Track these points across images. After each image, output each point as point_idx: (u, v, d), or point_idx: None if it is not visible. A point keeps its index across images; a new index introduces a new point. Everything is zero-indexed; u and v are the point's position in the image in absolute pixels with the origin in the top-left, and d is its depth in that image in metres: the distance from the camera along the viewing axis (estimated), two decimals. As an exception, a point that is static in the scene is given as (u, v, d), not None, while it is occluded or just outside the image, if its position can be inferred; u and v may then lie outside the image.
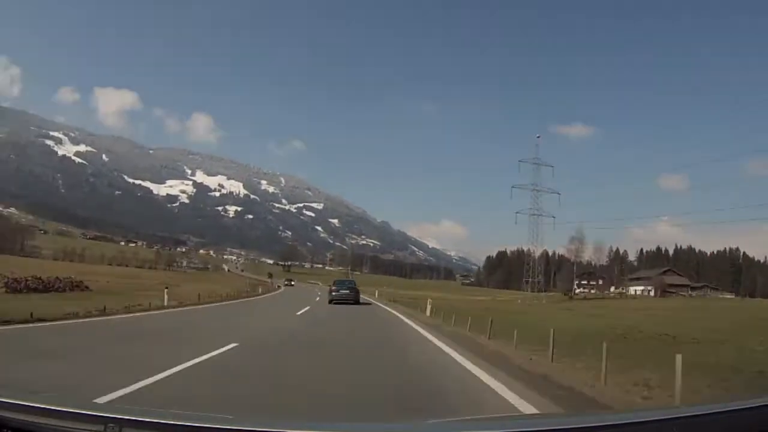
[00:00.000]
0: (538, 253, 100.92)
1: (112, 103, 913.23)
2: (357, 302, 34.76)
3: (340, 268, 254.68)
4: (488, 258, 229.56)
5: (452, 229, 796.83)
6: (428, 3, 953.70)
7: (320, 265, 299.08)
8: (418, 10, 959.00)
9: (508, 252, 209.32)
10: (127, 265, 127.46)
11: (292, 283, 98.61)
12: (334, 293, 34.92)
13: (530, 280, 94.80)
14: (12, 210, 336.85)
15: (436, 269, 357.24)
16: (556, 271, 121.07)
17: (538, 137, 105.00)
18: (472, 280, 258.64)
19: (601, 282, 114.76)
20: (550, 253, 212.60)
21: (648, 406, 6.37)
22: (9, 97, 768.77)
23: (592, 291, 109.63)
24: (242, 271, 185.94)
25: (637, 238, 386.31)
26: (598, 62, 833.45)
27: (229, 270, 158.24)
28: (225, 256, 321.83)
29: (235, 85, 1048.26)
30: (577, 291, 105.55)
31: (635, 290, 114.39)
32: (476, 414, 6.05)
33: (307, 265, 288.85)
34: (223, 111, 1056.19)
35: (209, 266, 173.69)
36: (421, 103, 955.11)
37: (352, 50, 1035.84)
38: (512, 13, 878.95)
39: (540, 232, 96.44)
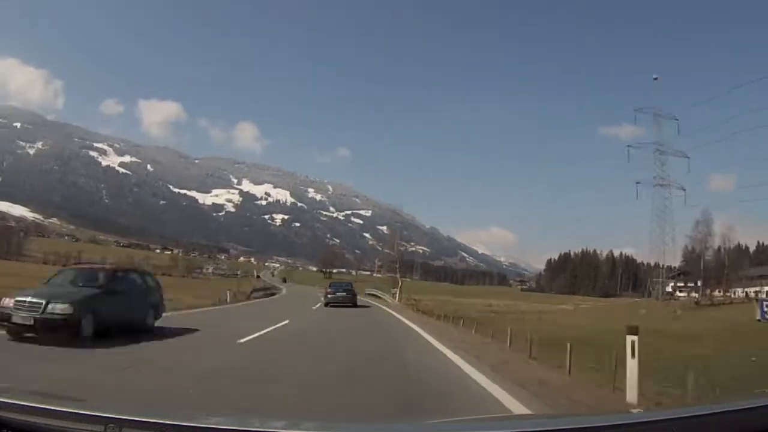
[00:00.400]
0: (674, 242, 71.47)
1: (156, 115, 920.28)
2: (354, 305, 33.87)
3: (390, 274, 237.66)
4: (549, 261, 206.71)
5: (501, 235, 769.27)
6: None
7: (368, 272, 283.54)
8: (469, 11, 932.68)
9: (572, 254, 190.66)
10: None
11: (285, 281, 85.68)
12: (330, 296, 33.89)
13: (660, 280, 68.99)
14: (53, 220, 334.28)
15: (489, 275, 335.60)
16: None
17: (655, 78, 71.69)
18: (532, 285, 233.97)
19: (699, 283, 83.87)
20: (618, 254, 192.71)
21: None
22: (53, 110, 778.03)
23: (693, 294, 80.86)
24: (273, 276, 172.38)
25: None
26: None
27: (258, 276, 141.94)
28: (267, 263, 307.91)
29: (281, 93, 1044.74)
30: (676, 294, 79.64)
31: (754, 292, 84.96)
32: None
33: (354, 272, 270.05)
34: (268, 119, 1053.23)
35: (238, 272, 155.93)
36: (466, 108, 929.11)
37: (396, 55, 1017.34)
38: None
39: (669, 212, 67.60)
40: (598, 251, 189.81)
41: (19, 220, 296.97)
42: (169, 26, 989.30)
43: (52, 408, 2.10)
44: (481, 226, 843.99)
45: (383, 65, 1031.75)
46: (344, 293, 34.04)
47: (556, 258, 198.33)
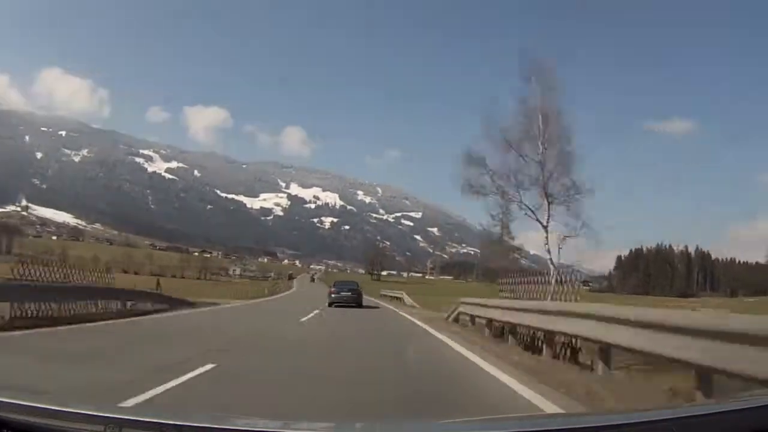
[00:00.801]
0: None
1: (202, 121, 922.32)
2: (359, 305, 32.21)
3: (444, 276, 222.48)
4: (619, 258, 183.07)
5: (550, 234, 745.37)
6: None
7: (419, 274, 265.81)
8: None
9: (645, 249, 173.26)
10: (136, 272, 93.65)
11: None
12: (334, 295, 31.99)
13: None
14: (96, 225, 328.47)
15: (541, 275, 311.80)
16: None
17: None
18: (597, 285, 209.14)
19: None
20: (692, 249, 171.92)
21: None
22: (100, 119, 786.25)
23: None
24: (312, 281, 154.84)
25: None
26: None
27: (291, 277, 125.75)
28: (311, 266, 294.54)
29: (327, 96, 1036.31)
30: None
31: None
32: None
33: (405, 274, 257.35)
34: (315, 123, 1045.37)
35: (271, 274, 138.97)
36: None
37: (448, 56, 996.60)
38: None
39: None
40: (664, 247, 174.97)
41: (60, 225, 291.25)
42: (211, 33, 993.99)
43: (52, 408, 2.09)
44: (531, 225, 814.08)
45: (434, 63, 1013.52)
46: (349, 293, 32.45)
47: (627, 254, 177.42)
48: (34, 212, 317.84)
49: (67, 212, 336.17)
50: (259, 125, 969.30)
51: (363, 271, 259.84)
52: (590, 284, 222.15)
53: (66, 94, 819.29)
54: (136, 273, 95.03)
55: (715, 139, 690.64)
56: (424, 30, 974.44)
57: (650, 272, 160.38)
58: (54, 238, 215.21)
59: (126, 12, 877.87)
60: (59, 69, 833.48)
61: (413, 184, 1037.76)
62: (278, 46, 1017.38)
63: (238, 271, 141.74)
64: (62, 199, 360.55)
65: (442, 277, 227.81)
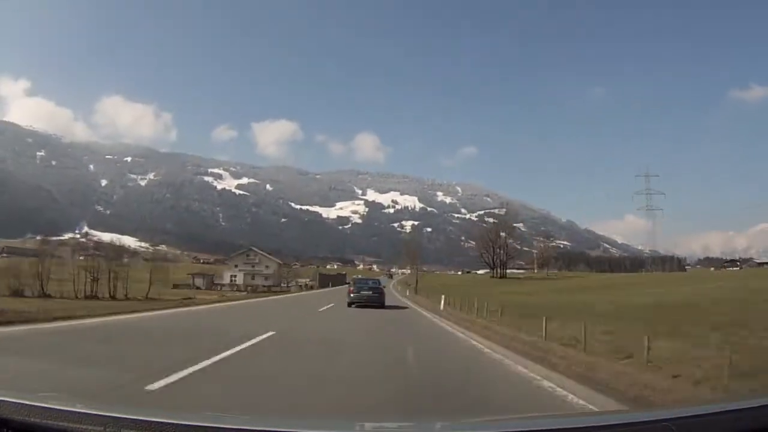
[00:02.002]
0: None
1: (271, 135, 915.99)
2: (382, 306, 28.64)
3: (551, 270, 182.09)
4: None
5: (635, 223, 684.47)
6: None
7: (521, 271, 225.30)
8: None
9: None
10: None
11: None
12: (353, 295, 28.81)
13: None
14: (161, 247, 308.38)
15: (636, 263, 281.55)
16: None
17: None
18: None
19: None
20: None
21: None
22: (167, 143, 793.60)
23: None
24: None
25: None
26: None
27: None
28: (392, 270, 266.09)
29: (397, 99, 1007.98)
30: None
31: None
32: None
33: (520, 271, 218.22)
34: (387, 127, 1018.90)
35: (292, 282, 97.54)
36: (588, 91, 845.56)
37: (516, 46, 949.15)
38: None
39: None
40: None
41: (118, 249, 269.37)
42: (273, 49, 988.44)
43: (52, 408, 2.07)
44: (616, 215, 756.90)
45: (507, 56, 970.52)
46: (370, 292, 29.02)
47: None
48: (94, 238, 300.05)
49: (132, 236, 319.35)
50: (330, 134, 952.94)
51: (451, 272, 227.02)
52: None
53: (129, 120, 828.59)
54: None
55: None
56: (484, 29, 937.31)
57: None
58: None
59: (181, 33, 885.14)
60: (119, 96, 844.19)
61: (493, 180, 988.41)
62: (341, 55, 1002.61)
63: (239, 278, 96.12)
64: (127, 223, 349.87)
65: (555, 271, 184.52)
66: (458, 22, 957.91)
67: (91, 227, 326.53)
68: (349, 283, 43.38)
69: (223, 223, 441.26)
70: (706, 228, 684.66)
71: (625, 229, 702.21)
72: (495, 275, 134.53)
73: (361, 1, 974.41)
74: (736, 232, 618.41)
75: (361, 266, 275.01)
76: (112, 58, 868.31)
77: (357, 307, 27.28)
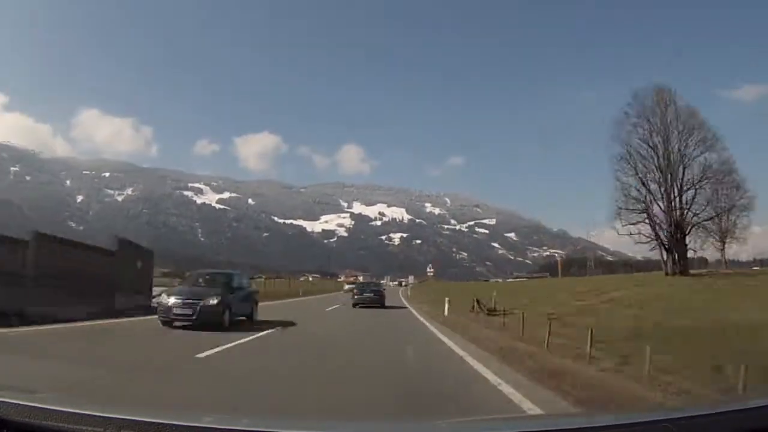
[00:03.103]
0: None
1: (254, 148, 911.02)
2: (383, 306, 32.83)
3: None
4: None
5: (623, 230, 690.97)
6: None
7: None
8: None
9: None
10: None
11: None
12: (357, 296, 33.55)
13: None
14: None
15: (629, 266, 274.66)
16: None
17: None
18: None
19: None
20: None
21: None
22: (148, 159, 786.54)
23: None
24: None
25: None
26: None
27: None
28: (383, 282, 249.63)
29: (381, 111, 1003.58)
30: None
31: None
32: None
33: (494, 280, 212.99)
34: (373, 139, 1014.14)
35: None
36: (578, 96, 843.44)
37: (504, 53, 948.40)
38: None
39: None
40: None
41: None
42: (254, 60, 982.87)
43: (52, 408, 2.07)
44: (605, 224, 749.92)
45: (489, 63, 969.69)
46: (371, 294, 33.44)
47: None
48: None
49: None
50: (314, 147, 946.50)
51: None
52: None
53: (109, 135, 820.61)
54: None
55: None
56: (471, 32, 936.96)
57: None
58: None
59: (162, 44, 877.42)
60: (97, 110, 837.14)
61: (482, 190, 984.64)
62: (323, 66, 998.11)
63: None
64: (101, 239, 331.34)
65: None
66: (442, 30, 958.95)
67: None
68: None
69: (202, 239, 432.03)
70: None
71: (612, 235, 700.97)
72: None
73: (342, 11, 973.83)
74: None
75: (342, 278, 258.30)
76: (90, 72, 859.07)
77: (361, 307, 31.07)
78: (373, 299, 32.42)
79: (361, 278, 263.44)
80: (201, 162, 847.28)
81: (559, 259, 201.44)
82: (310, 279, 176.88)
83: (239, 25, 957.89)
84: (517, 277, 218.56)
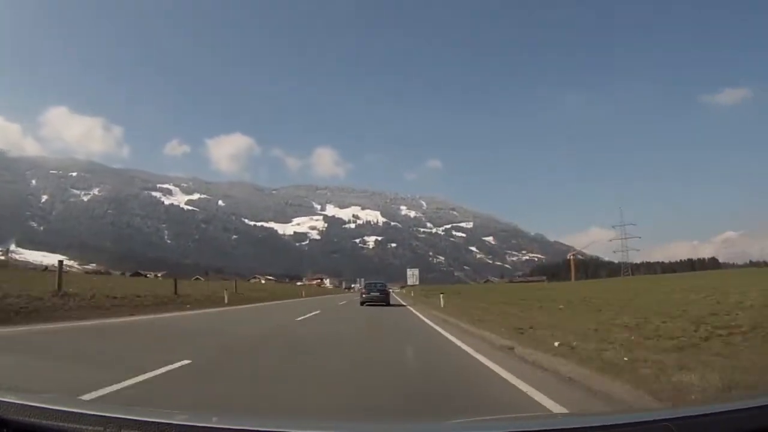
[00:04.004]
0: None
1: (226, 150, 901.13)
2: (388, 303, 34.90)
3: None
4: None
5: (600, 235, 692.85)
6: None
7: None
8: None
9: None
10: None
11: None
12: (364, 295, 35.56)
13: None
14: (92, 266, 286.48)
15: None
16: None
17: None
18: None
19: None
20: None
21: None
22: (119, 159, 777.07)
23: None
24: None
25: None
26: None
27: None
28: (352, 287, 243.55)
29: (357, 113, 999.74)
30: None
31: None
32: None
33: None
34: (346, 142, 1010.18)
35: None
36: (560, 99, 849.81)
37: (484, 53, 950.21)
38: None
39: None
40: None
41: (39, 268, 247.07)
42: (228, 61, 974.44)
43: (52, 408, 2.07)
44: (580, 228, 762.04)
45: (469, 67, 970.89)
46: (378, 293, 35.23)
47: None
48: (21, 256, 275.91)
49: (63, 254, 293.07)
50: (287, 149, 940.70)
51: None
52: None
53: (77, 134, 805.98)
54: None
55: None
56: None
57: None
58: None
59: (133, 44, 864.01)
60: (65, 107, 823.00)
61: (458, 193, 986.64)
62: (297, 67, 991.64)
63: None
64: (62, 240, 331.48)
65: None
66: (419, 33, 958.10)
67: (19, 245, 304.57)
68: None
69: (168, 241, 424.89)
70: (674, 238, 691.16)
71: (589, 240, 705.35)
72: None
73: (317, 13, 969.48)
74: (700, 241, 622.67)
75: (304, 281, 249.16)
76: (58, 68, 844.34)
77: (367, 305, 32.80)
78: (380, 297, 34.51)
79: (327, 282, 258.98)
80: (172, 163, 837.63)
81: (571, 259, 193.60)
82: (263, 281, 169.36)
83: (213, 26, 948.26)
84: (511, 281, 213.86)
